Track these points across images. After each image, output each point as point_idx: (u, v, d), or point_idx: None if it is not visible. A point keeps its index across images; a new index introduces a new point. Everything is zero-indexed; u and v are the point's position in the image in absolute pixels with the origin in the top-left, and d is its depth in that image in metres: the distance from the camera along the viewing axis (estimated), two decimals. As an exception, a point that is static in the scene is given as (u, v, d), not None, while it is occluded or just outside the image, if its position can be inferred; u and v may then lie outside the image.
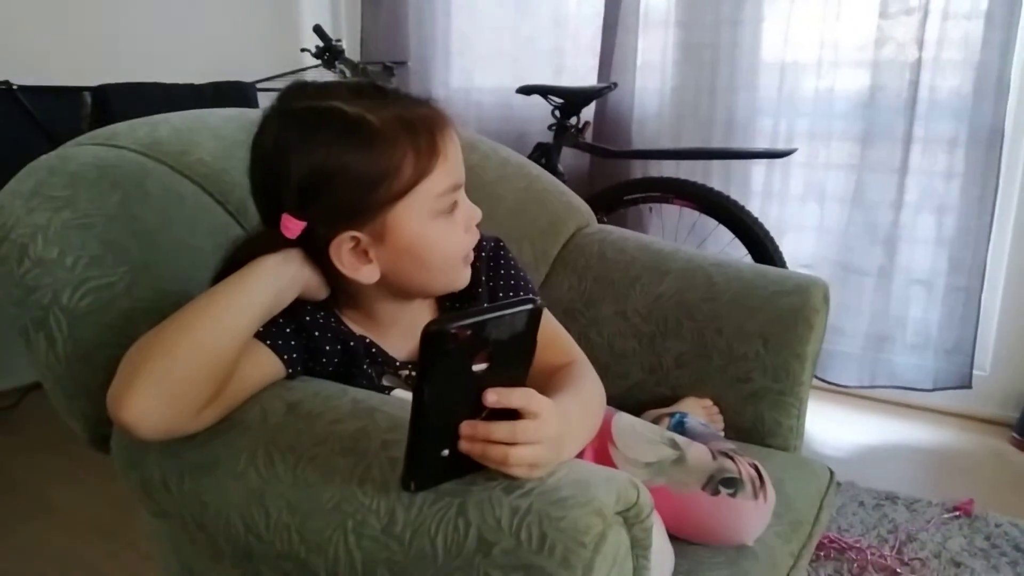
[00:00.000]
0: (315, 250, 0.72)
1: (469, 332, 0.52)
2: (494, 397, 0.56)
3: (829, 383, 2.22)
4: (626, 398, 1.26)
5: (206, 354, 0.65)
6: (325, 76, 2.48)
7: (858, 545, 1.56)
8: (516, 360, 0.58)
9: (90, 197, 0.84)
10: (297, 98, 0.72)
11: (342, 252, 0.71)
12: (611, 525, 0.59)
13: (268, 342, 0.72)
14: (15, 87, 1.91)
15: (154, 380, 0.63)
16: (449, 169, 0.73)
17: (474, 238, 0.79)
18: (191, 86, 2.17)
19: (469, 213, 0.77)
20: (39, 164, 0.89)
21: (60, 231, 0.79)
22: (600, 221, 2.12)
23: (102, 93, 2.05)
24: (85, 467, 1.86)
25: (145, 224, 0.85)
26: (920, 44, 1.95)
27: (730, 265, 1.27)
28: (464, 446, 0.57)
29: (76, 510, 1.72)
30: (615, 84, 2.22)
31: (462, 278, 0.79)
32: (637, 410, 1.21)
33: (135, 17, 2.38)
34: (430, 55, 2.72)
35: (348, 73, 2.32)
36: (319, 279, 0.74)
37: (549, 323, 0.86)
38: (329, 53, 2.32)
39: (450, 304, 0.85)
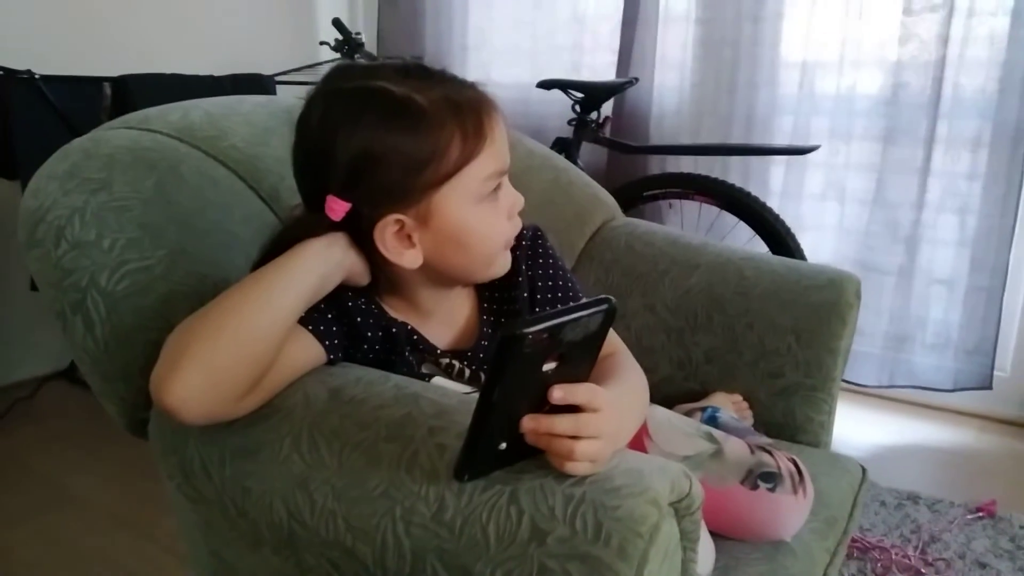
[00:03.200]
0: (359, 233, 0.71)
1: (546, 336, 0.52)
2: (560, 394, 0.55)
3: (849, 382, 2.21)
4: (654, 393, 1.22)
5: (251, 338, 0.64)
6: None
7: (881, 545, 1.55)
8: (584, 357, 0.57)
9: (126, 180, 0.83)
10: (344, 78, 0.71)
11: (386, 235, 0.70)
12: (665, 516, 0.58)
13: (310, 327, 0.71)
14: (37, 77, 1.90)
15: (199, 364, 0.62)
16: (495, 153, 0.72)
17: (516, 226, 0.78)
18: (210, 77, 2.16)
19: (512, 200, 0.76)
20: (73, 147, 0.88)
21: (97, 213, 0.78)
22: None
23: (122, 83, 2.04)
24: (102, 458, 1.86)
25: (181, 208, 0.84)
26: (944, 41, 1.93)
27: (761, 259, 1.25)
28: (530, 438, 0.56)
29: (93, 501, 1.71)
30: (636, 79, 2.21)
31: (502, 265, 0.78)
32: (666, 405, 1.19)
33: (156, 8, 2.38)
34: (447, 50, 2.71)
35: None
36: (363, 264, 0.73)
37: None
38: (348, 46, 2.31)
39: (489, 293, 0.84)
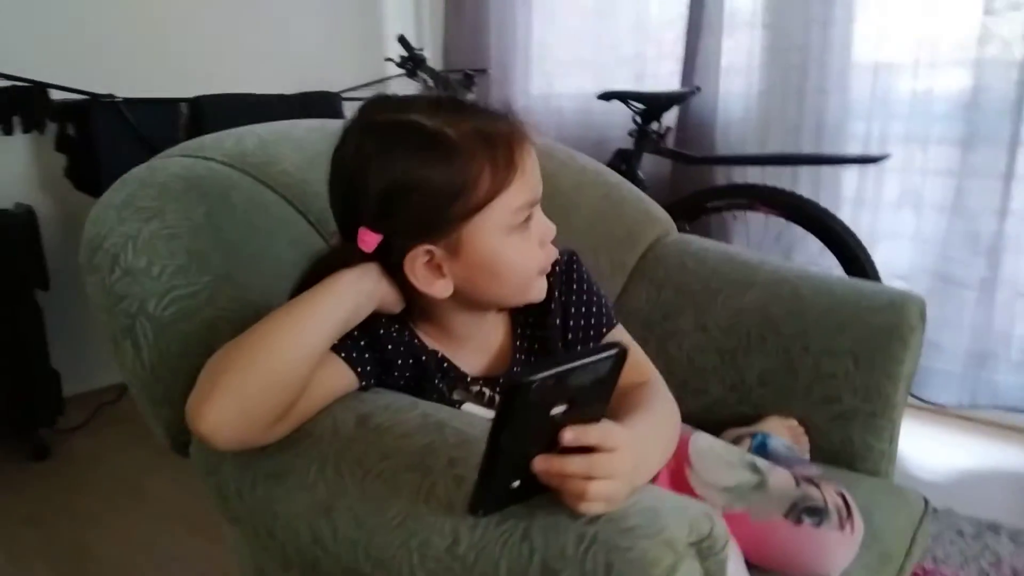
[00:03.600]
0: (390, 264, 0.72)
1: (552, 383, 0.52)
2: (571, 436, 0.55)
3: (925, 402, 2.10)
4: (705, 415, 1.21)
5: (282, 368, 0.66)
6: (408, 85, 2.52)
7: (956, 576, 1.47)
8: (595, 400, 0.57)
9: (177, 208, 0.86)
10: (378, 111, 0.73)
11: (416, 266, 0.71)
12: (683, 557, 0.56)
13: (343, 355, 0.73)
14: (119, 100, 2.01)
15: (231, 393, 0.64)
16: (526, 184, 0.72)
17: (550, 253, 0.77)
18: (280, 96, 2.24)
19: (544, 228, 0.76)
20: (131, 176, 0.92)
21: (148, 241, 0.82)
22: (682, 229, 2.08)
23: (197, 104, 2.14)
24: (177, 462, 1.93)
25: (229, 234, 0.88)
26: (1029, 42, 1.82)
27: (819, 278, 1.21)
28: (542, 479, 0.56)
29: (168, 503, 1.79)
30: (698, 88, 2.17)
31: (538, 291, 0.78)
32: (717, 428, 1.17)
33: (228, 31, 2.48)
34: (511, 62, 2.72)
35: (429, 82, 2.35)
36: (395, 293, 0.74)
37: (623, 339, 0.84)
38: (412, 62, 2.35)
39: (523, 319, 0.84)
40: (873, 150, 2.06)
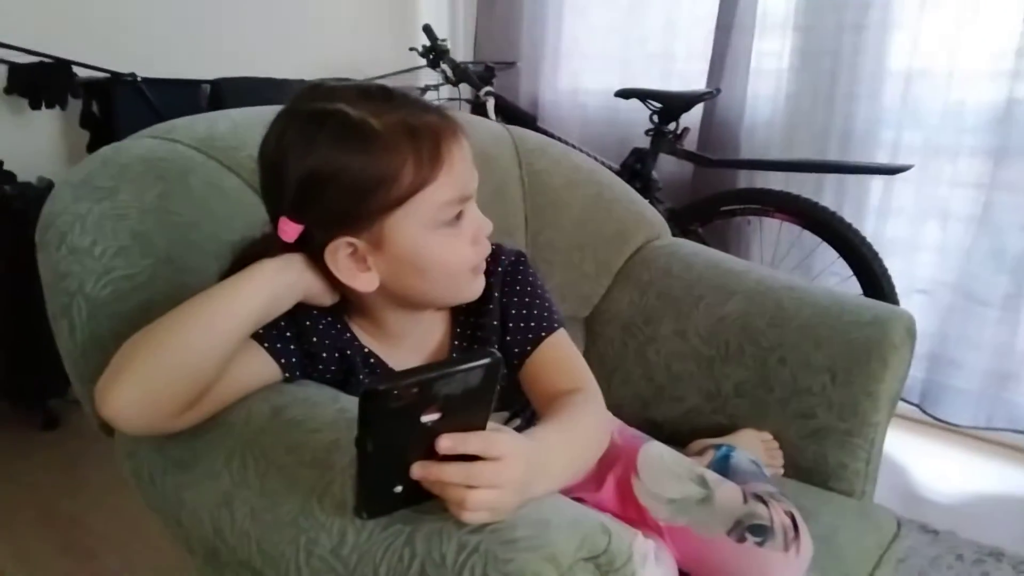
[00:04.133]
0: (314, 255, 0.71)
1: (415, 390, 0.50)
2: (447, 443, 0.53)
3: (940, 420, 2.02)
4: (680, 423, 1.18)
5: (192, 357, 0.65)
6: (431, 75, 2.51)
7: (949, 607, 1.41)
8: (472, 410, 0.55)
9: (131, 189, 0.86)
10: (306, 99, 0.71)
11: (338, 258, 0.70)
12: (570, 573, 0.54)
13: (265, 344, 0.72)
14: (140, 79, 2.04)
15: (137, 378, 0.63)
16: (454, 180, 0.70)
17: (483, 250, 0.75)
18: (301, 82, 2.24)
19: (478, 224, 0.73)
20: (97, 155, 0.93)
21: (96, 221, 0.82)
22: (695, 232, 2.04)
23: (218, 86, 2.16)
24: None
25: (180, 218, 0.87)
26: (1068, 53, 1.73)
27: (804, 290, 1.16)
28: (418, 479, 0.54)
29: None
30: (718, 90, 2.11)
31: (470, 290, 0.76)
32: (691, 437, 1.14)
33: (254, 13, 2.48)
34: (540, 56, 2.69)
35: (449, 73, 2.33)
36: (322, 285, 0.73)
37: (562, 345, 0.82)
38: (434, 53, 2.34)
39: (464, 318, 0.82)
40: (902, 159, 1.98)
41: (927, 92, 1.96)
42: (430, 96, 2.46)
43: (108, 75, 2.03)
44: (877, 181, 2.06)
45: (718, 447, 1.03)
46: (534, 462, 0.57)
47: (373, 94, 0.69)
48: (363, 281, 0.71)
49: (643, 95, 2.07)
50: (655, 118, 2.08)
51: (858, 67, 2.05)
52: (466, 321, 0.82)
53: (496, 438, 0.54)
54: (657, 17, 2.45)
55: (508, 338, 0.80)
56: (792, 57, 2.17)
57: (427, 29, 2.39)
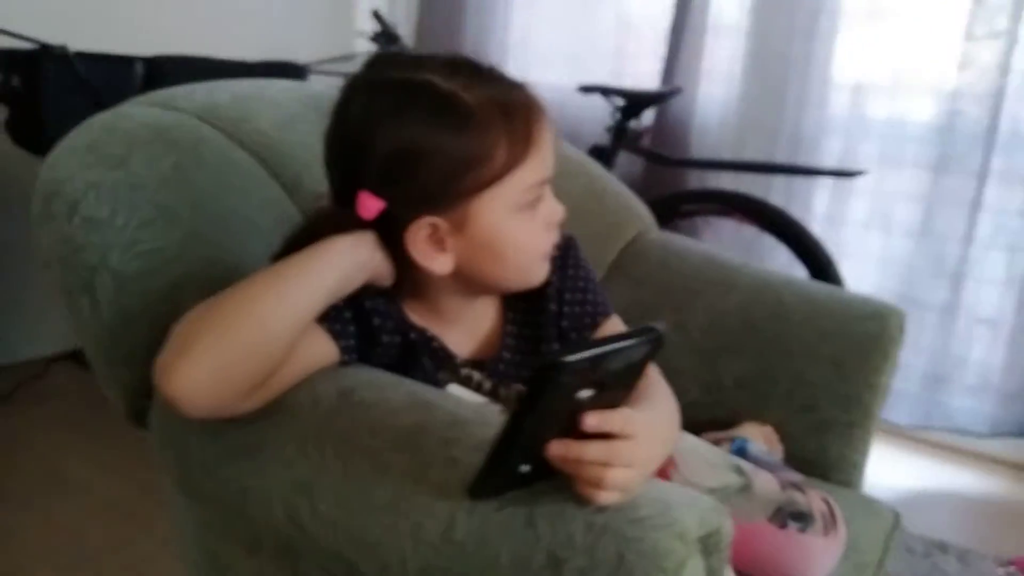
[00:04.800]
0: (388, 234, 0.67)
1: (586, 365, 0.49)
2: (594, 420, 0.51)
3: (883, 421, 2.12)
4: (681, 417, 1.19)
5: (266, 333, 0.60)
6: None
7: (907, 593, 1.48)
8: (623, 385, 0.54)
9: (144, 158, 0.80)
10: (389, 67, 0.68)
11: (418, 238, 0.66)
12: (692, 552, 0.53)
13: (326, 325, 0.67)
14: (71, 53, 1.89)
15: (209, 354, 0.58)
16: (541, 161, 0.68)
17: (554, 237, 0.73)
18: (243, 63, 2.14)
19: (552, 210, 0.72)
20: (95, 122, 0.85)
21: (112, 190, 0.75)
22: (655, 231, 2.07)
23: (155, 64, 2.02)
24: (105, 444, 1.82)
25: (198, 190, 0.81)
26: (1005, 70, 1.85)
27: (801, 285, 1.20)
28: (556, 463, 0.52)
29: (94, 487, 1.68)
30: (679, 89, 2.15)
31: (538, 276, 0.74)
32: (692, 431, 1.13)
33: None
34: (487, 48, 2.66)
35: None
36: (389, 266, 0.69)
37: (619, 328, 0.81)
38: (385, 38, 2.28)
39: (515, 303, 0.80)
40: (847, 167, 2.07)
41: (872, 102, 2.05)
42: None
43: (36, 46, 1.86)
44: (824, 189, 2.14)
45: (732, 439, 1.04)
46: (653, 441, 0.56)
47: (461, 67, 0.66)
48: (439, 263, 0.68)
49: (607, 91, 2.08)
50: (617, 115, 2.09)
51: (807, 74, 2.11)
52: (518, 306, 0.80)
53: (633, 416, 0.53)
54: (609, 14, 2.46)
55: (564, 322, 0.78)
56: (743, 60, 2.22)
57: (376, 14, 2.33)
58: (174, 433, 0.68)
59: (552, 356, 0.47)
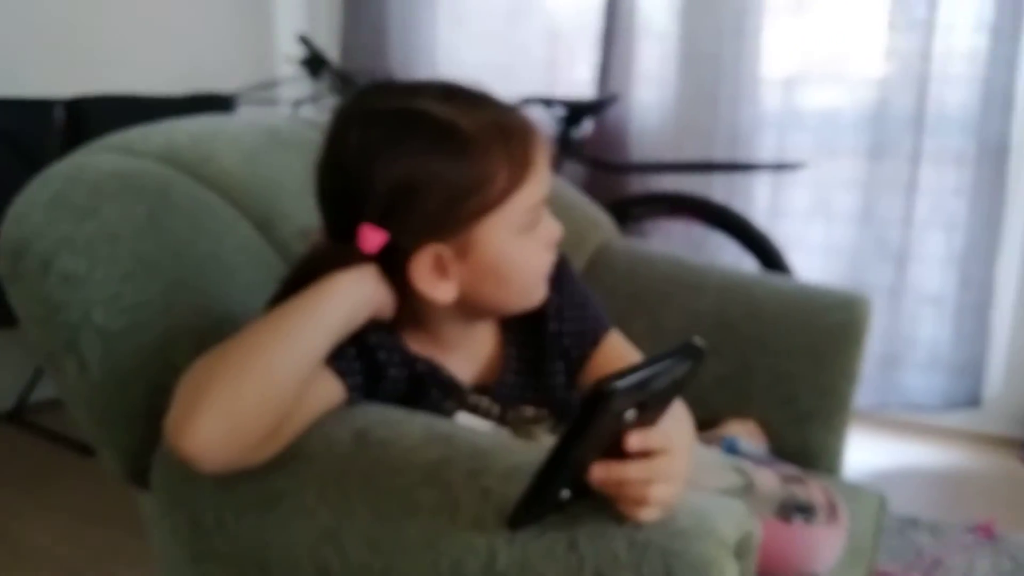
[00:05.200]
0: (391, 265, 0.66)
1: (635, 389, 0.49)
2: (637, 441, 0.51)
3: (843, 404, 2.19)
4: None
5: (278, 381, 0.59)
6: (297, 87, 2.41)
7: (888, 572, 1.52)
8: (664, 402, 0.54)
9: (115, 208, 0.77)
10: (382, 97, 0.67)
11: (422, 268, 0.66)
12: (730, 558, 0.54)
13: (332, 365, 0.66)
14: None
15: (221, 408, 0.56)
16: (540, 182, 0.68)
17: (552, 256, 0.73)
18: (169, 99, 2.08)
19: (551, 230, 0.72)
20: (53, 173, 0.81)
21: (87, 243, 0.72)
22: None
23: (76, 105, 1.94)
24: (52, 506, 1.74)
25: (175, 237, 0.78)
26: (928, 58, 1.94)
27: (769, 280, 1.23)
28: (597, 486, 0.52)
29: (48, 553, 1.59)
30: (618, 95, 2.19)
31: (538, 297, 0.74)
32: (674, 432, 1.16)
33: (108, 26, 2.28)
34: (415, 65, 2.64)
35: (337, 84, 2.26)
36: (390, 299, 0.68)
37: (621, 342, 0.82)
38: (315, 63, 2.25)
39: (513, 324, 0.79)
40: (784, 160, 2.13)
41: (804, 95, 2.12)
42: (305, 109, 2.37)
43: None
44: (764, 183, 2.20)
45: (722, 439, 1.05)
46: (686, 452, 0.56)
47: (455, 93, 0.67)
48: (442, 291, 0.67)
49: (547, 101, 2.10)
50: (559, 125, 2.11)
51: (738, 72, 2.16)
52: (516, 326, 0.79)
53: (670, 431, 0.53)
54: (538, 25, 2.48)
55: (565, 341, 0.78)
56: (675, 63, 2.26)
57: (303, 39, 2.30)
58: (184, 491, 0.65)
59: (604, 383, 0.47)
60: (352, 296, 0.64)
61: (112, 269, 0.71)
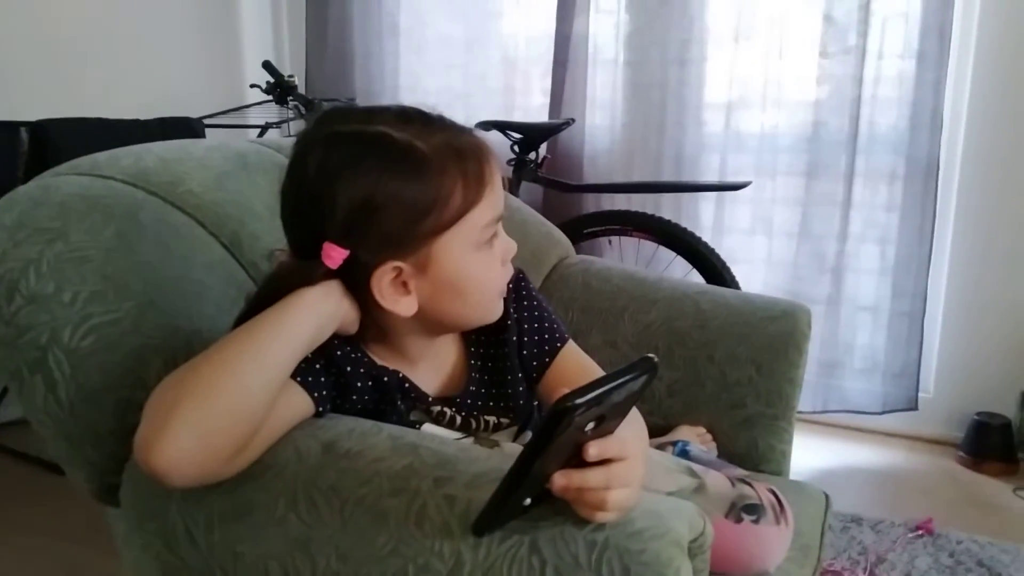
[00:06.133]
0: (353, 281, 0.69)
1: (593, 404, 0.52)
2: (595, 451, 0.55)
3: (786, 409, 2.27)
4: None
5: (247, 395, 0.61)
6: (264, 112, 2.43)
7: (833, 568, 1.58)
8: (621, 413, 0.58)
9: (83, 229, 0.78)
10: (341, 122, 0.70)
11: (383, 283, 0.68)
12: (685, 557, 0.57)
13: (299, 379, 0.68)
14: (-53, 122, 1.79)
15: (190, 424, 0.58)
16: (494, 199, 0.71)
17: (509, 272, 0.77)
18: (136, 122, 2.07)
19: (506, 246, 0.76)
20: (19, 195, 0.82)
21: (54, 265, 0.73)
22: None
23: (41, 129, 1.93)
24: (28, 525, 1.71)
25: (144, 257, 0.80)
26: (859, 82, 2.05)
27: (715, 292, 1.28)
28: (558, 493, 0.55)
29: (18, 575, 1.57)
30: (572, 120, 2.25)
31: (495, 312, 0.77)
32: (629, 441, 1.20)
33: (75, 50, 2.28)
34: (378, 91, 2.69)
35: (302, 109, 2.27)
36: (355, 314, 0.71)
37: (578, 353, 0.85)
38: (280, 89, 2.27)
39: (476, 337, 0.83)
40: (728, 180, 2.22)
41: (745, 119, 2.22)
42: (273, 133, 2.38)
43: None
44: (709, 201, 2.29)
45: (674, 443, 1.10)
46: (642, 456, 0.60)
47: (411, 117, 0.70)
48: (403, 305, 0.70)
49: (503, 126, 2.15)
50: (515, 148, 2.16)
51: (683, 97, 2.27)
52: (479, 340, 0.82)
53: (627, 438, 0.57)
54: (495, 53, 2.55)
55: (524, 352, 0.82)
56: (624, 89, 2.36)
57: (268, 65, 2.32)
58: (154, 506, 0.66)
59: (565, 401, 0.50)
60: (318, 311, 0.66)
61: (80, 289, 0.72)
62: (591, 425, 0.54)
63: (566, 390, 0.52)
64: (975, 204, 2.09)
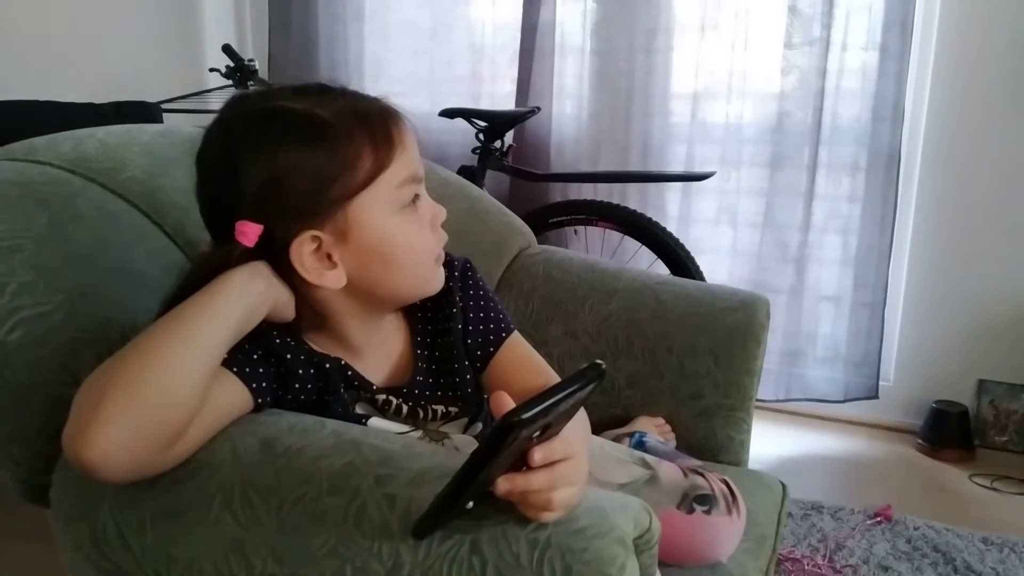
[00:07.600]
0: (276, 258, 0.67)
1: (542, 415, 0.51)
2: (540, 456, 0.54)
3: (748, 398, 2.29)
4: (579, 421, 1.24)
5: (177, 381, 0.58)
6: (224, 95, 2.38)
7: (793, 556, 1.60)
8: (567, 418, 0.57)
9: (14, 218, 0.75)
10: (240, 105, 0.70)
11: (304, 255, 0.67)
12: (630, 554, 0.57)
13: (235, 369, 0.66)
14: None
15: (121, 412, 0.56)
16: (407, 160, 0.70)
17: (442, 238, 0.76)
18: (90, 105, 2.01)
19: (434, 211, 0.74)
20: (-52, 182, 0.79)
21: (-18, 255, 0.70)
22: (526, 243, 2.13)
23: (-19, 111, 1.87)
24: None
25: (79, 247, 0.77)
26: (822, 73, 2.06)
27: (675, 283, 1.28)
28: (502, 496, 0.54)
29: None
30: (538, 108, 2.24)
31: (435, 281, 0.76)
32: (592, 432, 1.19)
33: (25, 29, 2.21)
34: (342, 77, 2.65)
35: (261, 93, 2.22)
36: (288, 296, 0.69)
37: (523, 343, 0.85)
38: (240, 73, 2.22)
39: (422, 326, 0.81)
40: (693, 170, 2.22)
41: (711, 109, 2.22)
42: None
43: None
44: (675, 192, 2.29)
45: (631, 434, 1.09)
46: (585, 453, 0.59)
47: (310, 89, 0.69)
48: (331, 278, 0.68)
49: (468, 114, 2.12)
50: (481, 136, 2.14)
51: (650, 87, 2.26)
52: (425, 328, 0.81)
53: (570, 439, 0.56)
54: (461, 41, 2.52)
55: (469, 341, 0.81)
56: (591, 78, 2.34)
57: (227, 49, 2.27)
58: (83, 505, 0.64)
59: (512, 416, 0.49)
60: (245, 291, 0.65)
61: (8, 281, 0.69)
62: (537, 433, 0.53)
63: (510, 401, 0.52)
64: (936, 196, 2.12)
